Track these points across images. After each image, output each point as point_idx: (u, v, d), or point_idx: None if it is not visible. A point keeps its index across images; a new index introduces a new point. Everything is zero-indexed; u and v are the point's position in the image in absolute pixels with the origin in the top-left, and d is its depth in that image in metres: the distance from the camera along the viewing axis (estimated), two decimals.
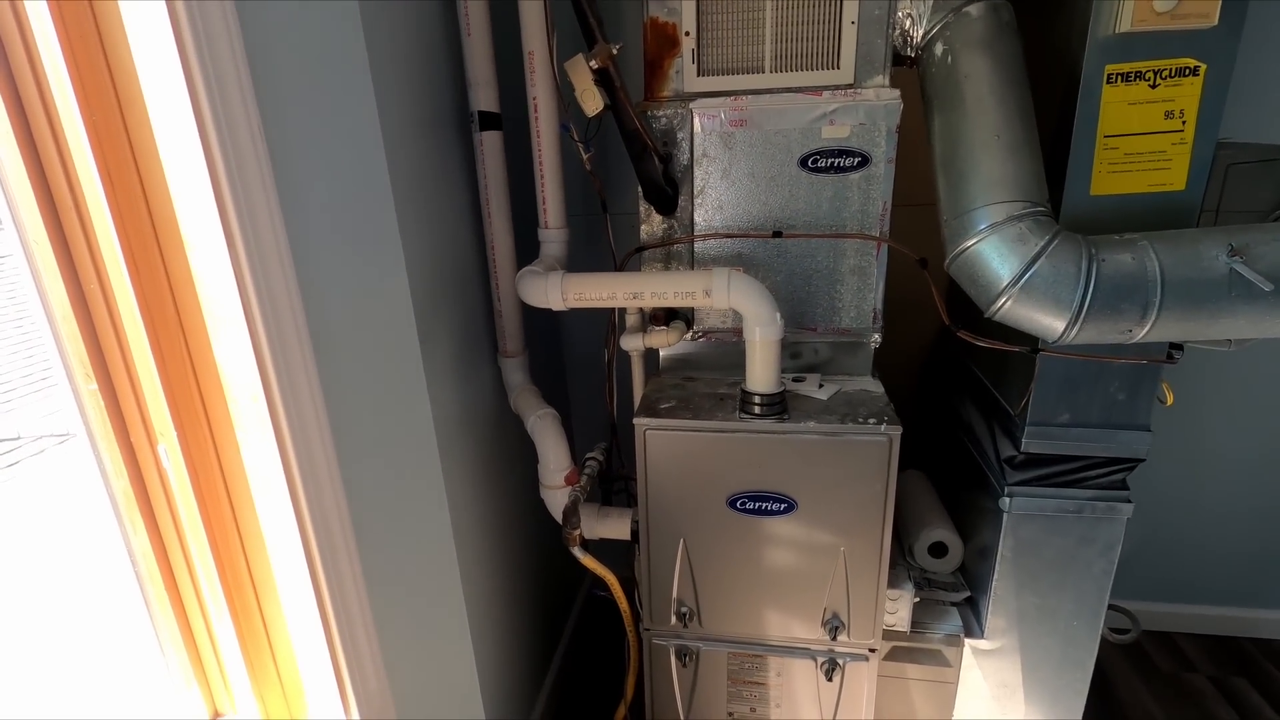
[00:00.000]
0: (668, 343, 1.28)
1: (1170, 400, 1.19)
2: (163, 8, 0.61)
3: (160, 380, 0.68)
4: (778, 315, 1.12)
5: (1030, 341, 1.13)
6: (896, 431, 1.12)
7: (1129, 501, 1.21)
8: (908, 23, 1.13)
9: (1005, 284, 0.98)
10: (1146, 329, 0.96)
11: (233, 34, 0.66)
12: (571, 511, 1.26)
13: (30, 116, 0.63)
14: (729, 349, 1.33)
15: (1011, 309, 1.00)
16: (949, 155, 1.07)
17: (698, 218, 1.24)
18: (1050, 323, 0.98)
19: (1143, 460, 1.19)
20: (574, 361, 1.97)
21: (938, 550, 1.43)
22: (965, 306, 1.13)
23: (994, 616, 1.33)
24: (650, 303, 1.16)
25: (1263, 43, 1.46)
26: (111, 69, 0.65)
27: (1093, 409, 1.18)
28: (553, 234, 1.34)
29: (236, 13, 0.68)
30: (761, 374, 1.15)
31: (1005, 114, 1.02)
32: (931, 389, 1.74)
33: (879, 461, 1.14)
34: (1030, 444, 1.21)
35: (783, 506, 1.19)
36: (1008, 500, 1.24)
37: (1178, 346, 1.13)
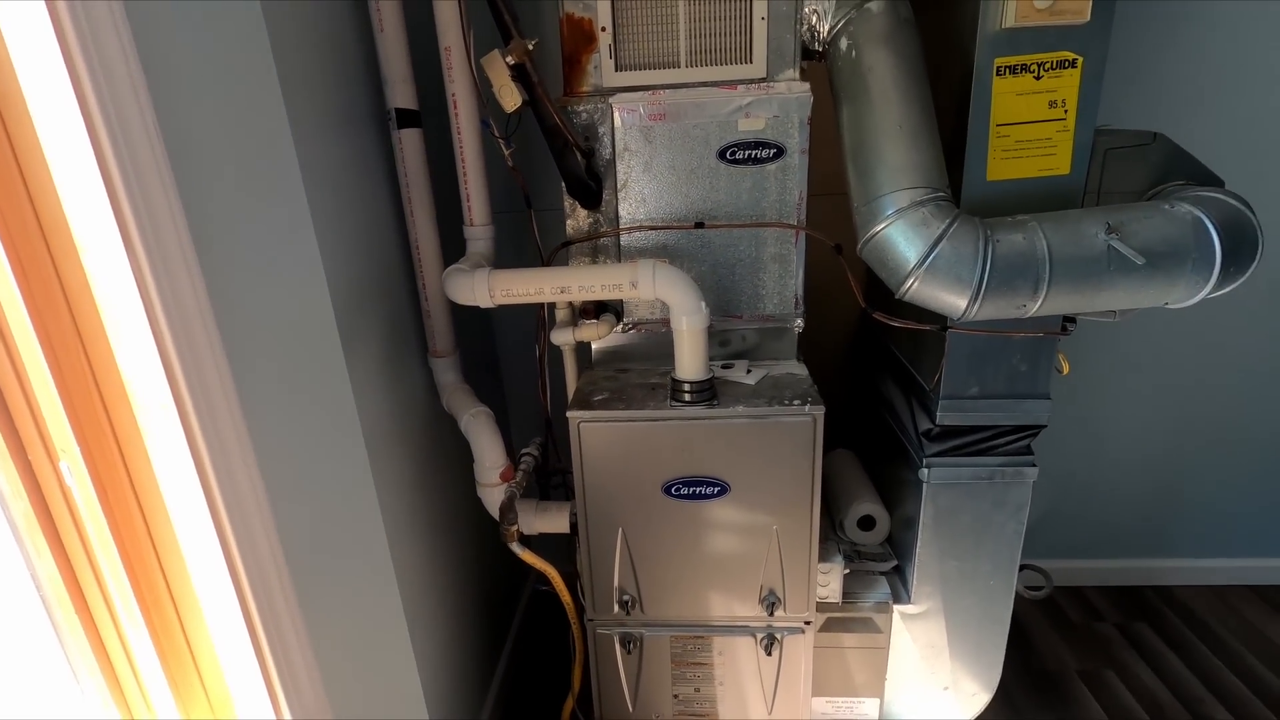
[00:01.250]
0: (598, 336, 1.29)
1: (1066, 369, 1.29)
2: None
3: (59, 393, 0.65)
4: (703, 304, 1.15)
5: (939, 320, 1.20)
6: (820, 411, 1.16)
7: (1034, 466, 1.30)
8: (814, 18, 1.17)
9: (912, 266, 1.04)
10: (1039, 303, 1.04)
11: (120, 26, 0.64)
12: (508, 508, 1.26)
13: None
14: (659, 339, 1.36)
15: (919, 289, 1.06)
16: (857, 145, 1.12)
17: (622, 211, 1.26)
18: (954, 300, 1.04)
19: (1044, 426, 1.28)
20: (507, 357, 1.96)
21: (866, 523, 1.49)
22: (880, 289, 1.18)
23: (919, 583, 1.41)
24: (578, 297, 1.17)
25: (1132, 36, 1.59)
26: None
27: (998, 381, 1.26)
28: (478, 231, 1.33)
29: (123, 5, 0.65)
30: (690, 362, 1.18)
31: (907, 105, 1.08)
32: (856, 369, 1.81)
33: (805, 441, 1.18)
34: (944, 417, 1.28)
35: (716, 490, 1.22)
36: (927, 471, 1.31)
37: (1070, 319, 1.22)
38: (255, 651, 0.82)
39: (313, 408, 0.99)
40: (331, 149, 1.07)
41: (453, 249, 1.34)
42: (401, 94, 1.22)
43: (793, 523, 1.24)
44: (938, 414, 1.28)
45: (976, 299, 1.03)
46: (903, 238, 1.04)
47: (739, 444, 1.19)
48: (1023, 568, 1.41)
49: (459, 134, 1.25)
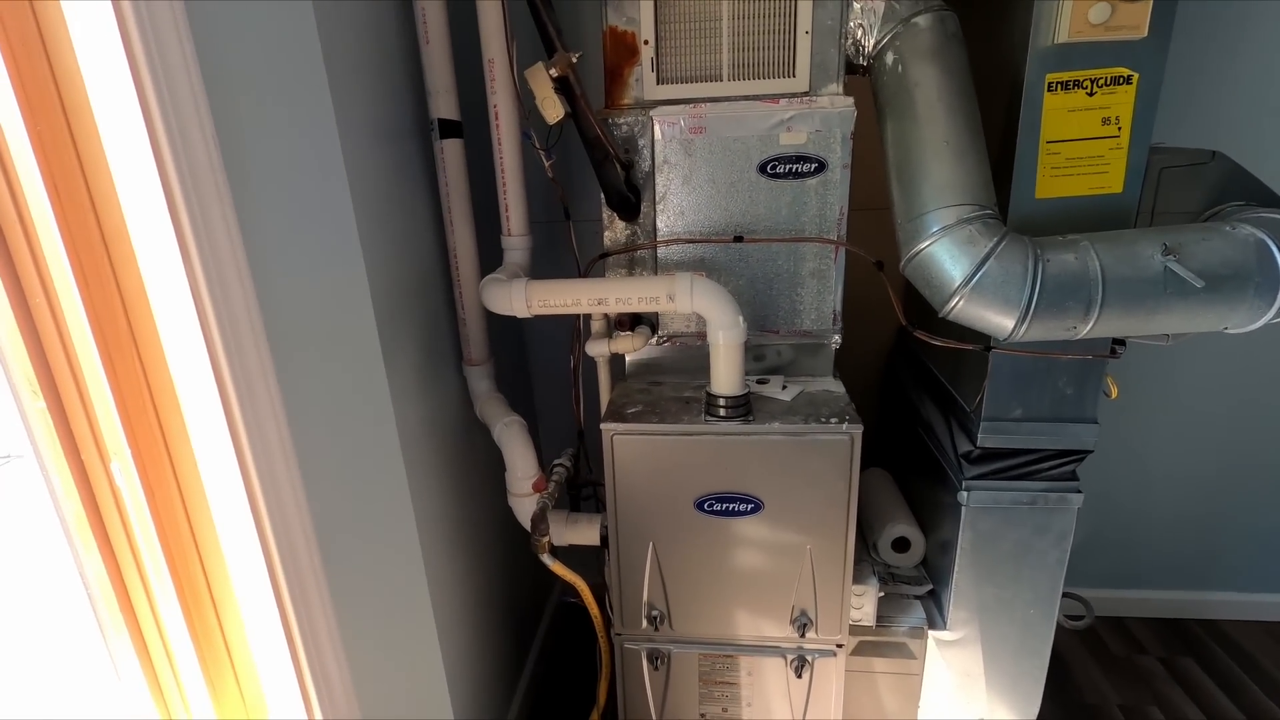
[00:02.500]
0: (633, 348, 1.29)
1: (1115, 394, 1.25)
2: (109, 9, 0.59)
3: (113, 396, 0.66)
4: (740, 319, 1.14)
5: (983, 340, 1.17)
6: (858, 430, 1.14)
7: (1079, 492, 1.26)
8: (859, 32, 1.16)
9: (957, 284, 1.02)
10: (1090, 325, 1.00)
11: (183, 38, 0.65)
12: (540, 519, 1.26)
13: None
14: (694, 352, 1.35)
15: (964, 309, 1.03)
16: (902, 161, 1.10)
17: (660, 223, 1.26)
18: (1000, 321, 1.02)
19: (1090, 452, 1.24)
20: (540, 368, 1.97)
21: (900, 545, 1.46)
22: (921, 307, 1.16)
23: (955, 608, 1.37)
24: (614, 308, 1.17)
25: (1190, 51, 1.54)
26: (56, 75, 0.63)
27: (1043, 403, 1.23)
28: (516, 241, 1.34)
29: (186, 16, 0.67)
30: (726, 377, 1.17)
31: (953, 121, 1.06)
32: (892, 387, 1.78)
33: (842, 460, 1.16)
34: (985, 439, 1.25)
35: (749, 507, 1.20)
36: (966, 494, 1.28)
37: (1120, 342, 1.18)
38: (290, 652, 0.82)
39: (352, 412, 1.00)
40: (377, 158, 1.09)
41: (489, 258, 1.35)
42: (445, 105, 1.24)
43: (827, 543, 1.22)
44: (979, 436, 1.25)
45: (1025, 320, 1.00)
46: (948, 256, 1.02)
47: (774, 461, 1.17)
48: (1063, 596, 1.36)
49: (499, 145, 1.27)
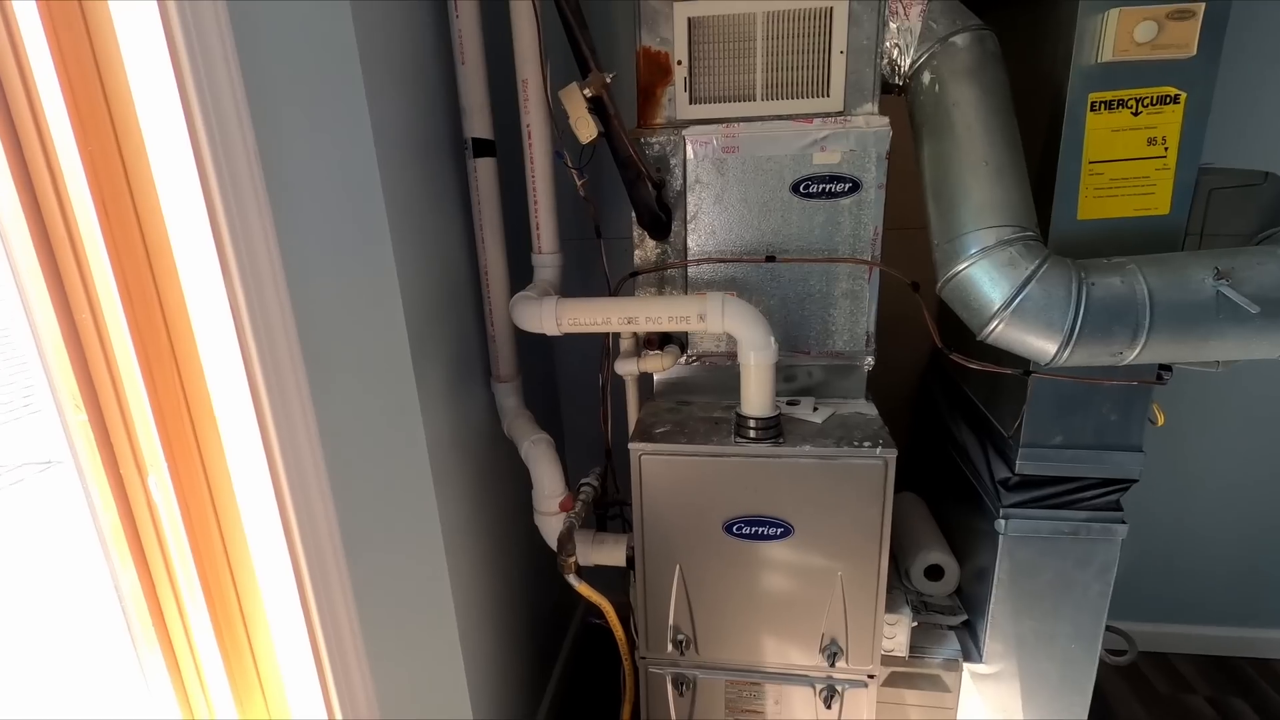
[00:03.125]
0: (662, 367, 1.28)
1: (1161, 421, 1.20)
2: (159, 27, 0.61)
3: (152, 410, 0.67)
4: (771, 339, 1.13)
5: (1022, 364, 1.13)
6: (892, 454, 1.12)
7: (1123, 523, 1.21)
8: (895, 52, 1.15)
9: (997, 308, 0.99)
10: (1137, 351, 0.97)
11: (229, 57, 0.67)
12: (566, 539, 1.25)
13: (24, 143, 0.63)
14: (724, 372, 1.33)
15: (1003, 332, 1.00)
16: (939, 181, 1.08)
17: (691, 242, 1.25)
18: (1042, 345, 0.99)
19: (1135, 481, 1.19)
20: (568, 385, 1.97)
21: (934, 573, 1.42)
22: (957, 329, 1.13)
23: (992, 640, 1.32)
24: (644, 328, 1.16)
25: (1241, 72, 1.50)
26: (107, 94, 0.65)
27: (1085, 430, 1.19)
28: (546, 259, 1.34)
29: (234, 37, 0.68)
30: (756, 398, 1.15)
31: (992, 141, 1.04)
32: (925, 410, 1.74)
33: (875, 485, 1.13)
34: (1024, 465, 1.21)
35: (779, 531, 1.18)
36: (1003, 522, 1.24)
37: (1167, 368, 1.14)
38: (316, 667, 0.82)
39: (382, 427, 1.01)
40: (412, 175, 1.10)
41: (520, 275, 1.36)
42: (479, 124, 1.25)
43: (859, 569, 1.18)
44: (1017, 462, 1.21)
45: (1068, 345, 0.97)
46: (987, 278, 0.99)
47: (805, 485, 1.15)
48: (1105, 629, 1.31)
49: (531, 163, 1.27)
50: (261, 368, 0.70)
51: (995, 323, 1.00)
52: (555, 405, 1.98)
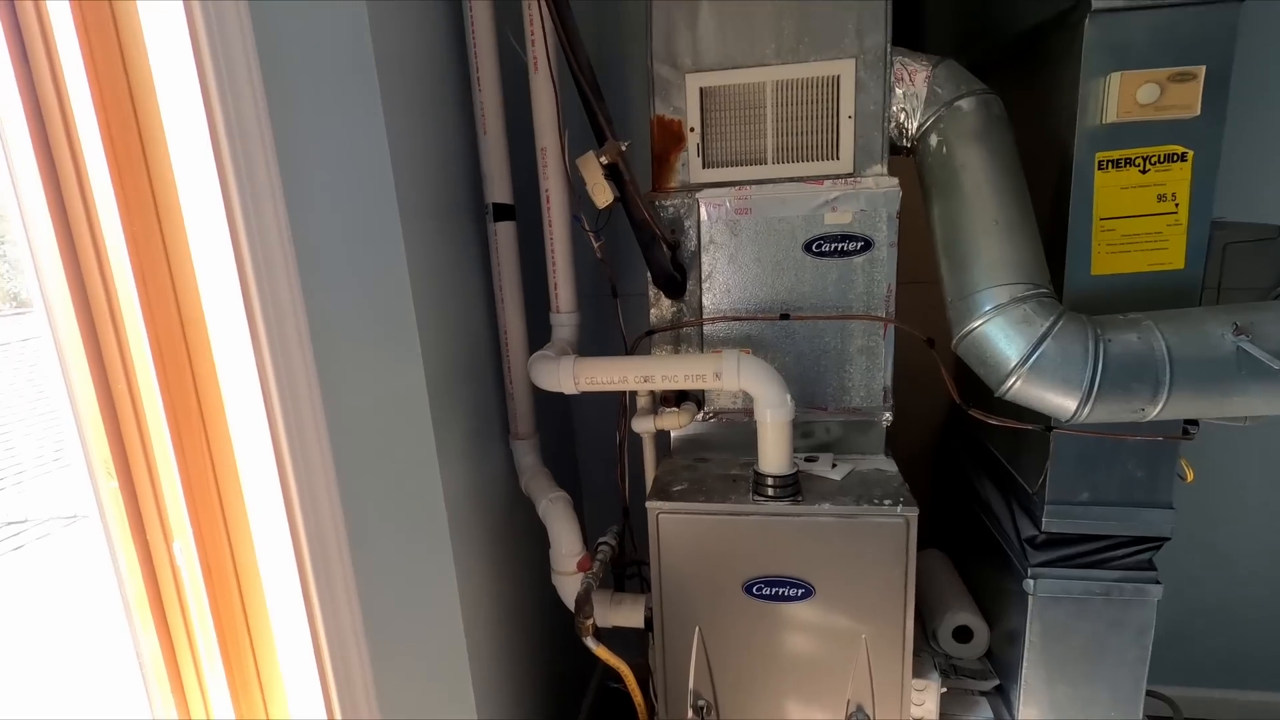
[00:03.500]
0: (679, 425, 1.28)
1: (1190, 477, 1.18)
2: (198, 98, 0.65)
3: (181, 480, 0.69)
4: (788, 397, 1.13)
5: (1043, 419, 1.12)
6: (913, 513, 1.10)
7: (1158, 583, 1.18)
8: (902, 116, 1.18)
9: (1013, 364, 0.99)
10: (1159, 408, 0.96)
11: (264, 130, 0.71)
12: (584, 600, 1.24)
13: (72, 222, 0.67)
14: (741, 429, 1.33)
15: (1021, 389, 1.00)
16: (950, 240, 1.10)
17: (706, 301, 1.27)
18: (1061, 402, 0.98)
19: (1168, 539, 1.16)
20: (585, 442, 1.97)
21: (962, 635, 1.38)
22: (976, 383, 1.13)
23: (1026, 707, 1.27)
24: (661, 386, 1.17)
25: (1252, 126, 1.52)
26: (152, 179, 0.69)
27: (1111, 487, 1.16)
28: (564, 318, 1.36)
29: (269, 112, 0.72)
30: (773, 455, 1.15)
31: (1001, 200, 1.05)
32: (946, 464, 1.72)
33: (897, 544, 1.11)
34: (1050, 523, 1.19)
35: (800, 592, 1.16)
36: (1032, 582, 1.21)
37: (1193, 422, 1.12)
38: None
39: (401, 487, 1.02)
40: (434, 239, 1.14)
41: (538, 333, 1.39)
42: (499, 190, 1.30)
43: (883, 631, 1.15)
44: (1043, 520, 1.19)
45: (1087, 401, 0.96)
46: (1002, 335, 1.00)
47: (825, 544, 1.13)
48: (1146, 694, 1.25)
49: (550, 226, 1.31)
50: (286, 435, 0.72)
51: (1012, 379, 1.00)
52: (573, 462, 1.98)
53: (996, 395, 1.04)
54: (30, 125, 0.65)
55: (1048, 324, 0.97)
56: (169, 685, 0.78)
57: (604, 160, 1.13)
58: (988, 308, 1.02)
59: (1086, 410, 0.97)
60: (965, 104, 1.12)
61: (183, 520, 0.71)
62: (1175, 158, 1.05)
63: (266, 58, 0.73)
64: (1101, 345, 0.95)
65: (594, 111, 1.15)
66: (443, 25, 1.21)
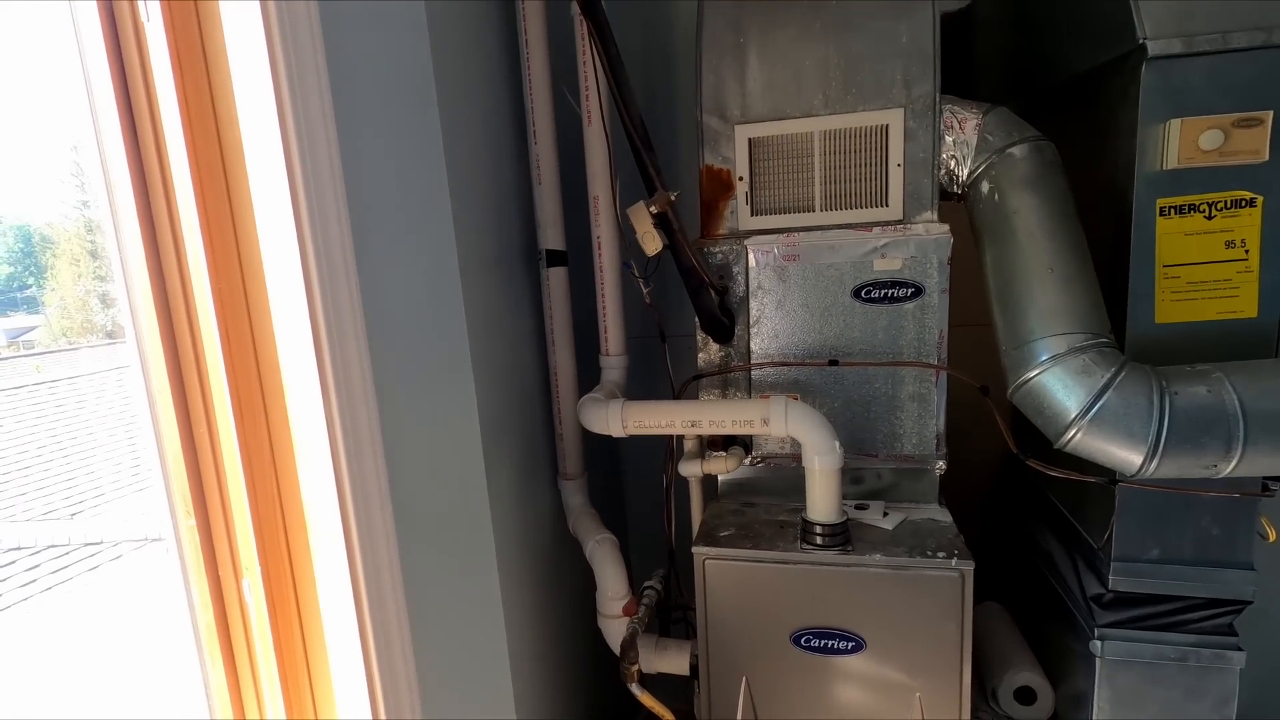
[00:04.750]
0: (726, 470, 1.28)
1: (1273, 536, 1.11)
2: (285, 188, 0.71)
3: (252, 520, 0.73)
4: (836, 444, 1.12)
5: (1108, 472, 1.08)
6: (969, 567, 1.07)
7: (1240, 649, 1.10)
8: (952, 163, 1.18)
9: (1073, 416, 0.96)
10: (1233, 464, 0.92)
11: (337, 187, 0.76)
12: (629, 645, 1.23)
13: (163, 259, 0.73)
14: (789, 474, 1.32)
15: (1082, 441, 0.97)
16: (1003, 287, 1.08)
17: (754, 346, 1.28)
18: (1125, 456, 0.95)
19: (1249, 603, 1.09)
20: (632, 483, 1.97)
21: (1025, 696, 1.31)
22: (1036, 430, 1.10)
23: None
24: (708, 431, 1.18)
25: None
26: (235, 224, 0.75)
27: (1184, 544, 1.10)
28: (613, 361, 1.39)
29: (343, 171, 0.78)
30: (822, 503, 1.14)
31: (1056, 247, 1.04)
32: (1003, 512, 1.66)
33: (952, 599, 1.08)
34: (1118, 581, 1.13)
35: (850, 645, 1.13)
36: (1099, 644, 1.15)
37: (1276, 478, 1.06)
38: None
39: (453, 525, 1.05)
40: (489, 285, 1.19)
41: (587, 374, 1.41)
42: (552, 237, 1.35)
43: (938, 689, 1.11)
44: (1110, 578, 1.13)
45: (1154, 457, 0.92)
46: (1060, 385, 0.97)
47: (876, 596, 1.11)
48: None
49: (601, 272, 1.35)
50: (349, 477, 0.76)
51: (1072, 432, 0.97)
52: (620, 503, 1.98)
53: (1055, 447, 1.01)
54: (130, 165, 0.72)
55: (1109, 375, 0.94)
56: (232, 717, 0.81)
57: (654, 210, 1.17)
58: (1044, 357, 0.99)
59: (1153, 466, 0.93)
60: (1017, 150, 1.12)
61: (252, 558, 0.74)
62: (1243, 203, 1.02)
63: (340, 105, 0.78)
64: (1167, 398, 0.92)
65: (644, 162, 1.19)
66: (499, 77, 1.27)
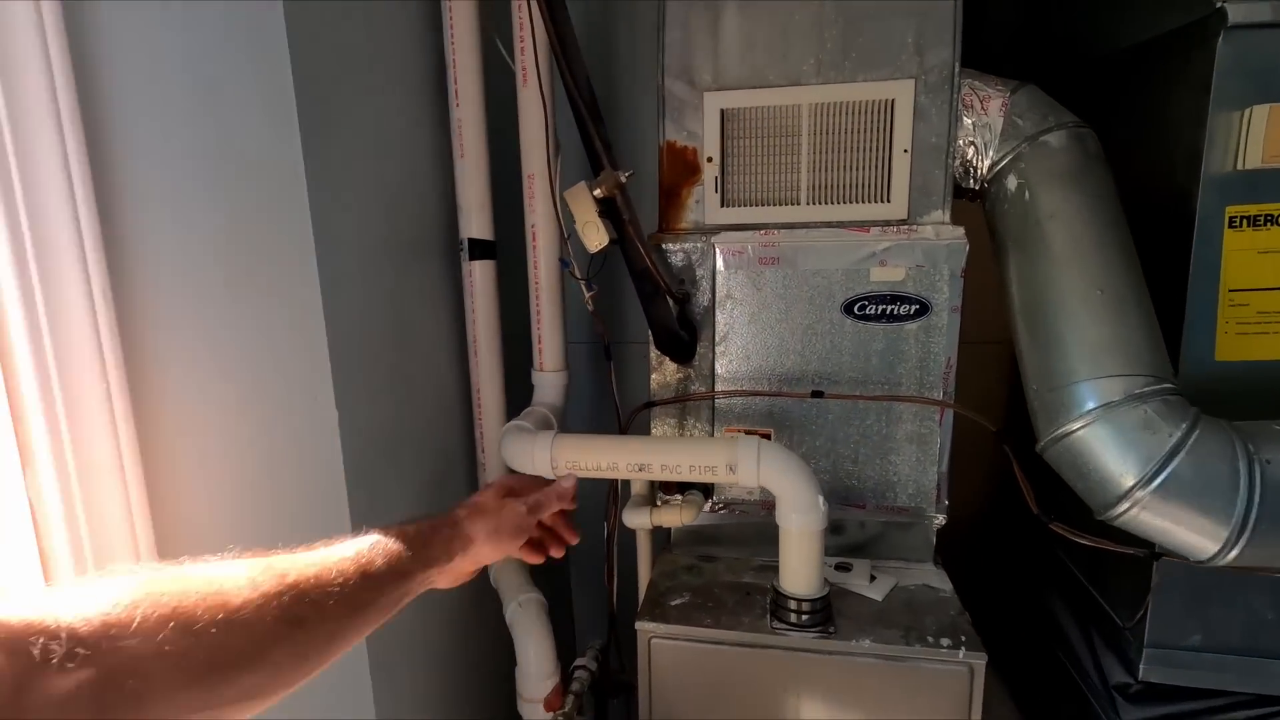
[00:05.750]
0: (681, 522, 1.04)
1: None
2: None
3: None
4: (820, 499, 0.89)
5: (1148, 543, 0.87)
6: (980, 661, 0.85)
7: None
8: (970, 151, 0.96)
9: (1129, 486, 0.74)
10: None
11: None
12: None
13: None
14: (757, 522, 1.09)
15: (1138, 517, 0.75)
16: (1034, 308, 0.86)
17: (719, 367, 1.04)
18: (1196, 541, 0.73)
19: None
20: (577, 518, 1.65)
21: None
22: (1056, 483, 0.88)
23: None
24: (660, 476, 0.93)
25: None
26: None
27: (1231, 629, 0.91)
28: (548, 378, 1.14)
29: None
30: (801, 573, 0.90)
31: (1106, 262, 0.82)
32: (1003, 569, 1.45)
33: (957, 698, 0.86)
34: (1150, 671, 0.93)
35: None
36: None
37: None
38: None
39: None
40: (381, 280, 0.92)
41: (521, 394, 1.16)
42: (478, 223, 1.08)
43: None
44: (1141, 666, 0.93)
45: (1236, 541, 0.71)
46: (1113, 444, 0.75)
47: (865, 689, 0.88)
48: None
49: (535, 269, 1.10)
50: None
51: (1126, 505, 0.75)
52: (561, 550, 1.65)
53: (1100, 519, 0.79)
54: None
55: (1179, 433, 0.73)
56: None
57: (599, 193, 0.91)
58: (1092, 405, 0.77)
59: (1233, 553, 0.72)
60: (1054, 139, 0.90)
61: None
62: None
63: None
64: (1257, 467, 0.70)
65: (589, 134, 0.93)
66: (415, 22, 1.00)
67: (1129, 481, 0.74)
